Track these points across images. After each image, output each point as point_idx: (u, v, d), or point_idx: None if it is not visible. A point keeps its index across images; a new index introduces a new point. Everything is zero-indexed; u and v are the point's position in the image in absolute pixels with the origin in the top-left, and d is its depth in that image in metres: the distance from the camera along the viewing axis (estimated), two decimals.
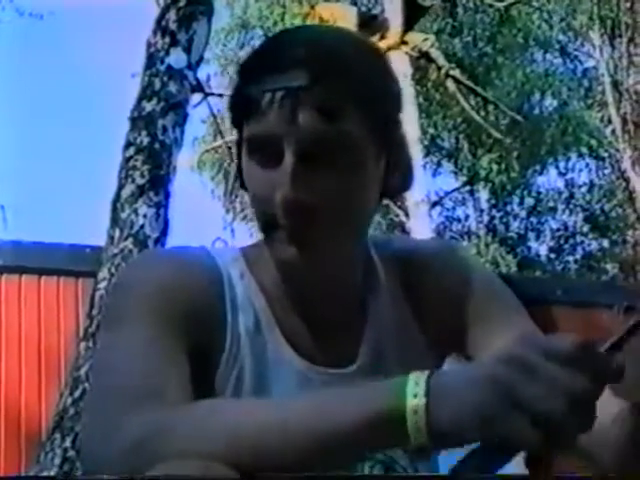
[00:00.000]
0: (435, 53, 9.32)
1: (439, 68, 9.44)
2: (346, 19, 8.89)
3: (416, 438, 0.84)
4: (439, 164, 15.72)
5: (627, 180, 14.92)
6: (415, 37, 9.18)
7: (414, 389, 0.85)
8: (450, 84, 9.75)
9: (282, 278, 1.15)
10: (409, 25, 8.92)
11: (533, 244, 16.20)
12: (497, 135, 11.28)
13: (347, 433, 0.87)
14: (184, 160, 8.01)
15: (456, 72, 9.64)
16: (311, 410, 0.91)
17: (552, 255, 16.08)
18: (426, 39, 9.34)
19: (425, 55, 9.18)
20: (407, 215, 8.70)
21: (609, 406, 0.98)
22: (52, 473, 4.05)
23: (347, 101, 1.07)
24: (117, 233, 4.61)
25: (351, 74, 1.07)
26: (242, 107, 1.10)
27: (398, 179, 1.15)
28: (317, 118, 1.05)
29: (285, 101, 1.05)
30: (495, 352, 0.86)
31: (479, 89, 10.88)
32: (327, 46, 1.10)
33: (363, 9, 11.33)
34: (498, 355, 0.84)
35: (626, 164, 14.78)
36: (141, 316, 1.06)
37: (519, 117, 11.42)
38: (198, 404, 0.97)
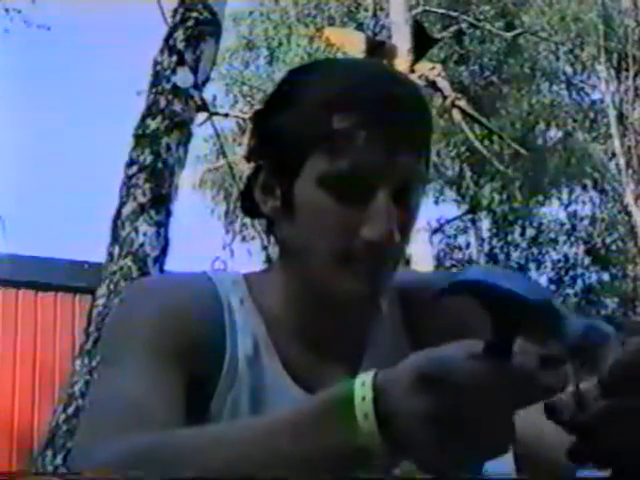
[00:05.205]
0: (442, 83, 9.36)
1: (445, 97, 9.48)
2: (354, 44, 8.92)
3: (365, 424, 0.83)
4: (441, 192, 15.80)
5: (629, 214, 15.00)
6: (422, 65, 9.21)
7: (362, 378, 0.86)
8: (455, 113, 9.79)
9: (304, 303, 1.15)
10: (419, 55, 8.97)
11: (533, 275, 16.23)
12: (499, 167, 11.34)
13: (298, 428, 0.87)
14: (185, 179, 8.03)
15: (462, 102, 9.69)
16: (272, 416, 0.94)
17: (552, 287, 16.11)
18: (433, 68, 9.38)
19: (432, 84, 9.21)
20: None
21: None
22: None
23: (427, 141, 1.14)
24: (117, 250, 4.64)
25: (426, 115, 1.15)
26: (320, 139, 1.09)
27: None
28: (412, 161, 1.10)
29: (383, 141, 1.07)
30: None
31: (484, 120, 10.94)
32: (413, 87, 1.15)
33: (369, 34, 11.40)
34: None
35: (629, 198, 14.86)
36: (138, 344, 1.08)
37: (522, 150, 11.49)
38: (179, 431, 0.98)
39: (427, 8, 11.05)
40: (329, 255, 1.10)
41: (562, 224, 16.34)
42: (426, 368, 0.82)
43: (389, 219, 1.08)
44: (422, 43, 9.11)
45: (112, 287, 4.49)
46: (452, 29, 11.75)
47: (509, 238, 16.07)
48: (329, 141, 1.08)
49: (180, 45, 5.16)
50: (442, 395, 0.81)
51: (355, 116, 1.07)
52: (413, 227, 1.14)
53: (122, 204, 4.75)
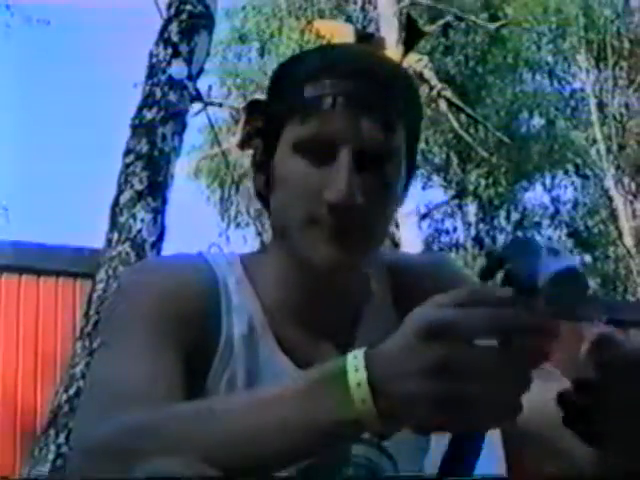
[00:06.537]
0: (428, 74, 9.42)
1: (431, 88, 9.56)
2: (343, 36, 9.00)
3: (358, 395, 0.84)
4: (429, 178, 15.80)
5: (610, 198, 15.08)
6: (409, 57, 9.27)
7: (354, 352, 0.87)
8: (442, 103, 9.87)
9: (295, 280, 1.17)
10: (408, 47, 9.05)
11: None
12: (485, 154, 11.43)
13: (291, 401, 0.88)
14: (181, 167, 8.13)
15: (448, 92, 9.77)
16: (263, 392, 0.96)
17: None
18: (420, 59, 9.44)
19: (419, 75, 9.28)
20: (397, 226, 8.81)
21: None
22: (45, 468, 4.13)
23: (400, 118, 1.13)
24: (115, 236, 4.67)
25: (405, 94, 1.16)
26: (295, 107, 1.12)
27: (405, 193, 1.22)
28: (376, 127, 1.10)
29: (349, 106, 1.10)
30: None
31: (469, 110, 11.02)
32: (386, 64, 1.17)
33: (358, 27, 11.47)
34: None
35: (609, 183, 14.95)
36: (137, 325, 1.09)
37: (506, 138, 11.58)
38: (179, 405, 0.99)
39: (414, 0, 11.11)
40: (301, 220, 1.11)
41: (546, 208, 16.31)
42: (420, 323, 0.83)
43: (348, 180, 1.07)
44: (412, 36, 9.19)
45: (111, 272, 4.51)
46: (440, 22, 11.81)
47: (495, 222, 16.06)
48: (301, 108, 1.10)
49: (175, 37, 5.19)
50: (437, 345, 0.81)
51: (324, 84, 1.10)
52: (390, 199, 1.13)
53: (120, 192, 4.77)
